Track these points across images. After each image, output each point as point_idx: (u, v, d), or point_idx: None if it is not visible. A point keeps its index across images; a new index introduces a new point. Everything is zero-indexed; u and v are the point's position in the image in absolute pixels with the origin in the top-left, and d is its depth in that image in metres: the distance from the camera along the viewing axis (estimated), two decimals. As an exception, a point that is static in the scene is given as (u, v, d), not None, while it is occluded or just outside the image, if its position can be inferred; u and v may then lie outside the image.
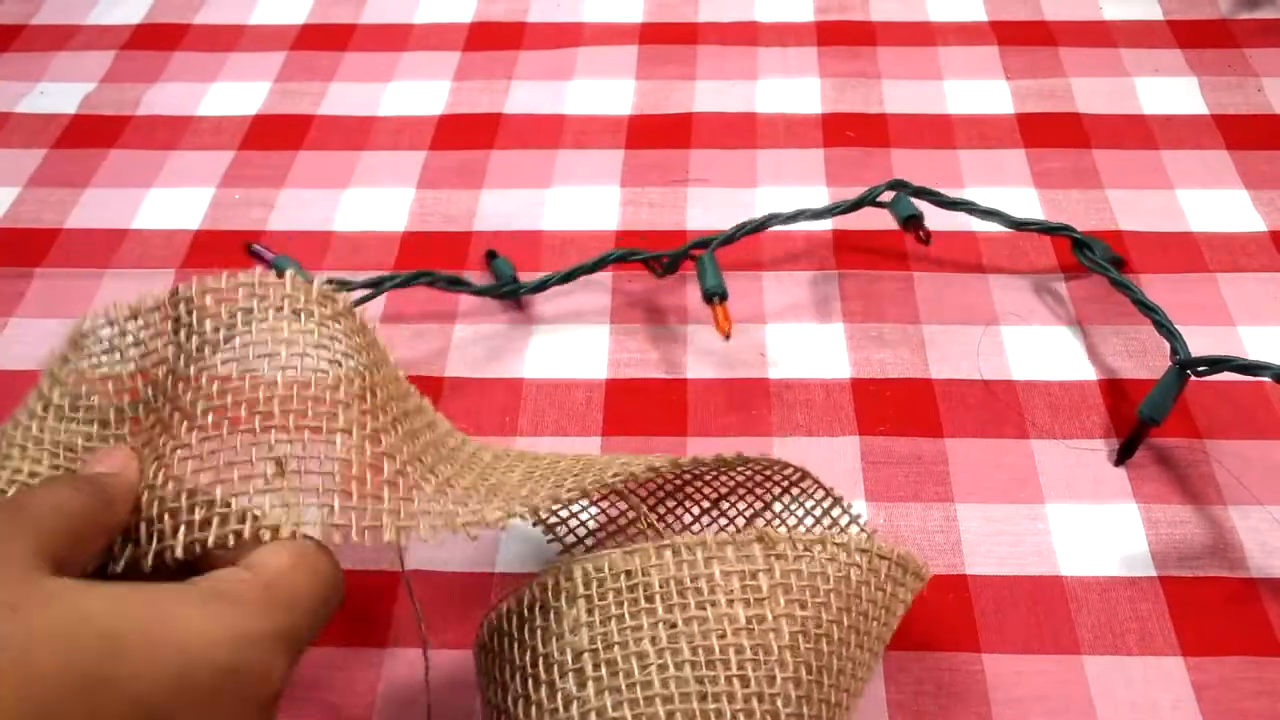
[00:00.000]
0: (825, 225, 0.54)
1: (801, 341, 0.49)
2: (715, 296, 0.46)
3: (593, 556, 0.32)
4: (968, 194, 0.56)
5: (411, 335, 0.50)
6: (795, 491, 0.40)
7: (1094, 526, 0.42)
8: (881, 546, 0.33)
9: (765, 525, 0.37)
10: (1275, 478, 0.43)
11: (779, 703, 0.29)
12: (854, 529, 0.40)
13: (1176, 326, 0.45)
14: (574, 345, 0.50)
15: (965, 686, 0.38)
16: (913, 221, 0.49)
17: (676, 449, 0.45)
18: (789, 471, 0.39)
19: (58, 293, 0.53)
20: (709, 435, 0.46)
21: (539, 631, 0.31)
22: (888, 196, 0.50)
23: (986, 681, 0.38)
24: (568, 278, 0.49)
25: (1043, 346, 0.49)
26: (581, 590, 0.31)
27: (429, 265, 0.53)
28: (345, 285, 0.47)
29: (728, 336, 0.46)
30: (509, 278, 0.50)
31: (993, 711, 0.37)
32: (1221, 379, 0.44)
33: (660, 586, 0.31)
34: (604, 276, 0.52)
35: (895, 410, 0.46)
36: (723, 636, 0.30)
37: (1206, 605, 0.40)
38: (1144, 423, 0.43)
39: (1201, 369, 0.43)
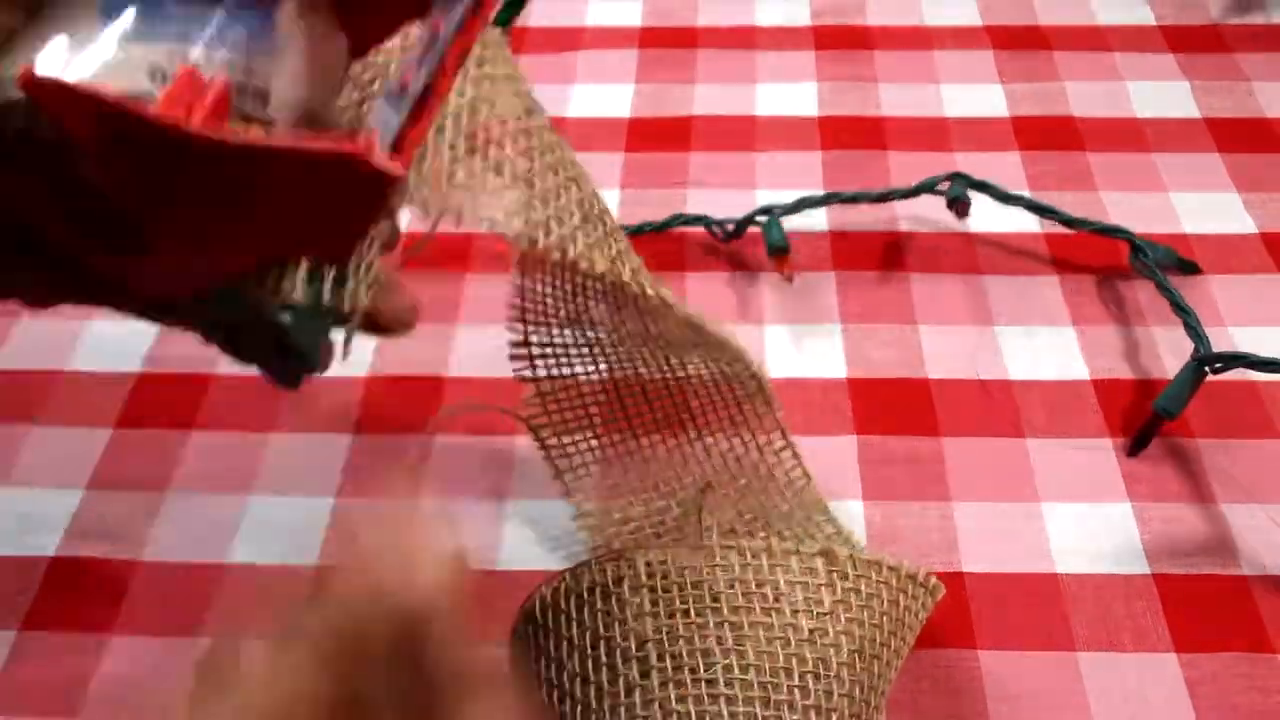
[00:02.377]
0: (822, 226, 0.55)
1: (799, 341, 0.50)
2: (779, 251, 0.52)
3: (656, 550, 0.32)
4: (970, 195, 0.56)
5: (413, 335, 0.50)
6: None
7: (1089, 524, 0.43)
8: (921, 571, 0.34)
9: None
10: (1268, 476, 0.44)
11: (834, 718, 0.30)
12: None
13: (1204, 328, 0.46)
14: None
15: (962, 683, 0.38)
16: (957, 201, 0.52)
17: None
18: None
19: (62, 294, 0.54)
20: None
21: (599, 615, 0.32)
22: (945, 186, 0.53)
23: (983, 678, 0.38)
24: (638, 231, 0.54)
25: (1038, 346, 0.49)
26: (645, 580, 0.32)
27: (431, 265, 0.53)
28: None
29: (790, 280, 0.51)
30: None
31: (989, 708, 0.38)
32: (1218, 379, 0.45)
33: (725, 587, 0.31)
34: (604, 278, 0.53)
35: (892, 410, 0.47)
36: (786, 645, 0.31)
37: (1200, 602, 0.40)
38: (1159, 415, 0.44)
39: (1218, 365, 0.44)
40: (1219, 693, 0.38)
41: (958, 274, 0.53)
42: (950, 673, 0.39)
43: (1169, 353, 0.48)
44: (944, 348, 0.49)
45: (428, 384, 0.48)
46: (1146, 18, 0.68)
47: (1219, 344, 0.49)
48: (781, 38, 0.68)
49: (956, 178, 0.52)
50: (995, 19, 0.69)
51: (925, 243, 0.54)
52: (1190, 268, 0.52)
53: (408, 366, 0.49)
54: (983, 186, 0.52)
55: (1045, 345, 0.49)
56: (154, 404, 0.48)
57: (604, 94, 0.64)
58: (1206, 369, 0.44)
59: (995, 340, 0.50)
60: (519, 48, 0.68)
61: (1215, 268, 0.52)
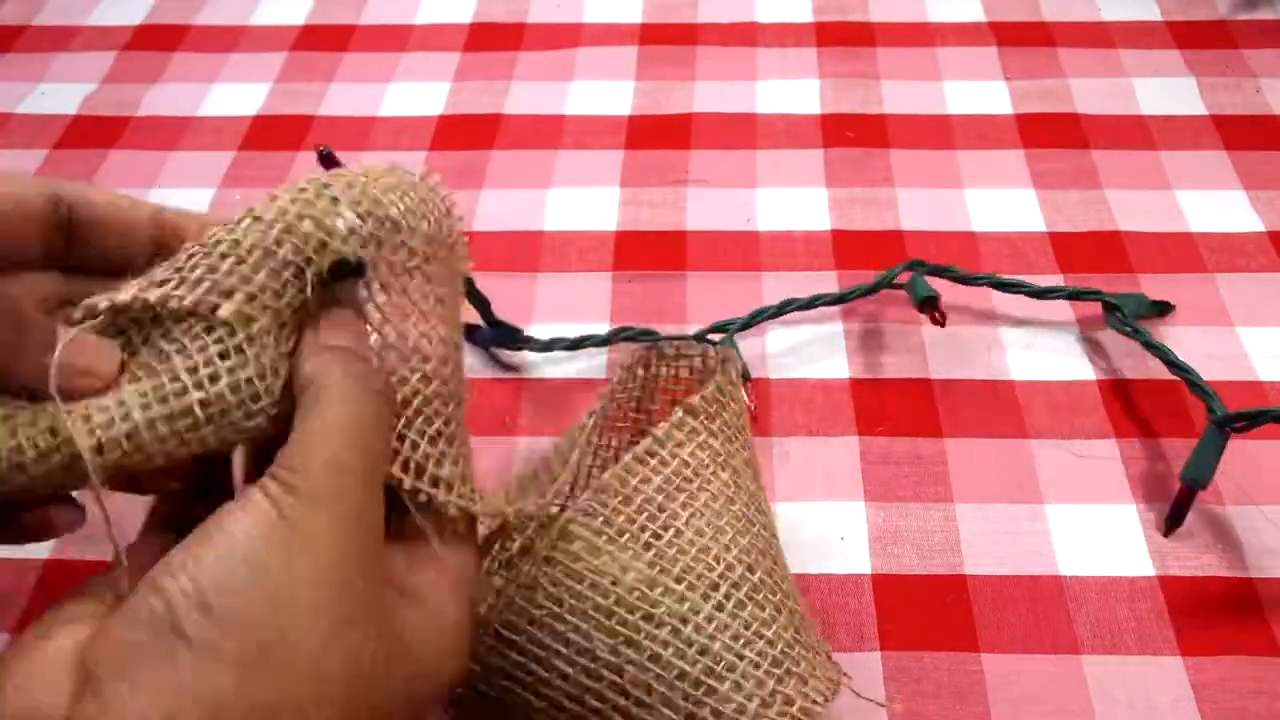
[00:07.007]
0: (824, 226, 0.55)
1: (801, 341, 0.50)
2: (927, 302, 0.46)
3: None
4: (968, 195, 0.56)
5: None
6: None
7: (1093, 526, 0.42)
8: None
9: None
10: (1273, 479, 0.43)
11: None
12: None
13: (1209, 384, 0.43)
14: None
15: (965, 686, 0.38)
16: (930, 302, 0.46)
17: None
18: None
19: (59, 293, 0.53)
20: (709, 435, 0.46)
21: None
22: (906, 276, 0.48)
23: (986, 681, 0.38)
24: (574, 346, 0.48)
25: (1042, 347, 0.49)
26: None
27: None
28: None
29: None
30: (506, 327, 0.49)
31: (992, 711, 0.37)
32: (1216, 379, 0.44)
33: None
34: (604, 276, 0.53)
35: (895, 410, 0.46)
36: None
37: (1204, 605, 0.40)
38: (1188, 488, 0.41)
39: (1240, 424, 0.41)
40: (1225, 696, 0.37)
41: (961, 272, 0.52)
42: (952, 676, 0.38)
43: (1175, 353, 0.48)
44: (947, 348, 0.49)
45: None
46: (1152, 13, 0.68)
47: (1225, 344, 0.48)
48: (783, 34, 0.68)
49: (915, 266, 0.48)
50: (999, 14, 0.68)
51: (926, 242, 0.54)
52: (1161, 308, 0.49)
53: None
54: (941, 271, 0.48)
55: (1049, 346, 0.49)
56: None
57: (604, 91, 0.64)
58: (1228, 430, 0.41)
59: (999, 340, 0.49)
60: (518, 45, 0.68)
61: (1222, 266, 0.52)
